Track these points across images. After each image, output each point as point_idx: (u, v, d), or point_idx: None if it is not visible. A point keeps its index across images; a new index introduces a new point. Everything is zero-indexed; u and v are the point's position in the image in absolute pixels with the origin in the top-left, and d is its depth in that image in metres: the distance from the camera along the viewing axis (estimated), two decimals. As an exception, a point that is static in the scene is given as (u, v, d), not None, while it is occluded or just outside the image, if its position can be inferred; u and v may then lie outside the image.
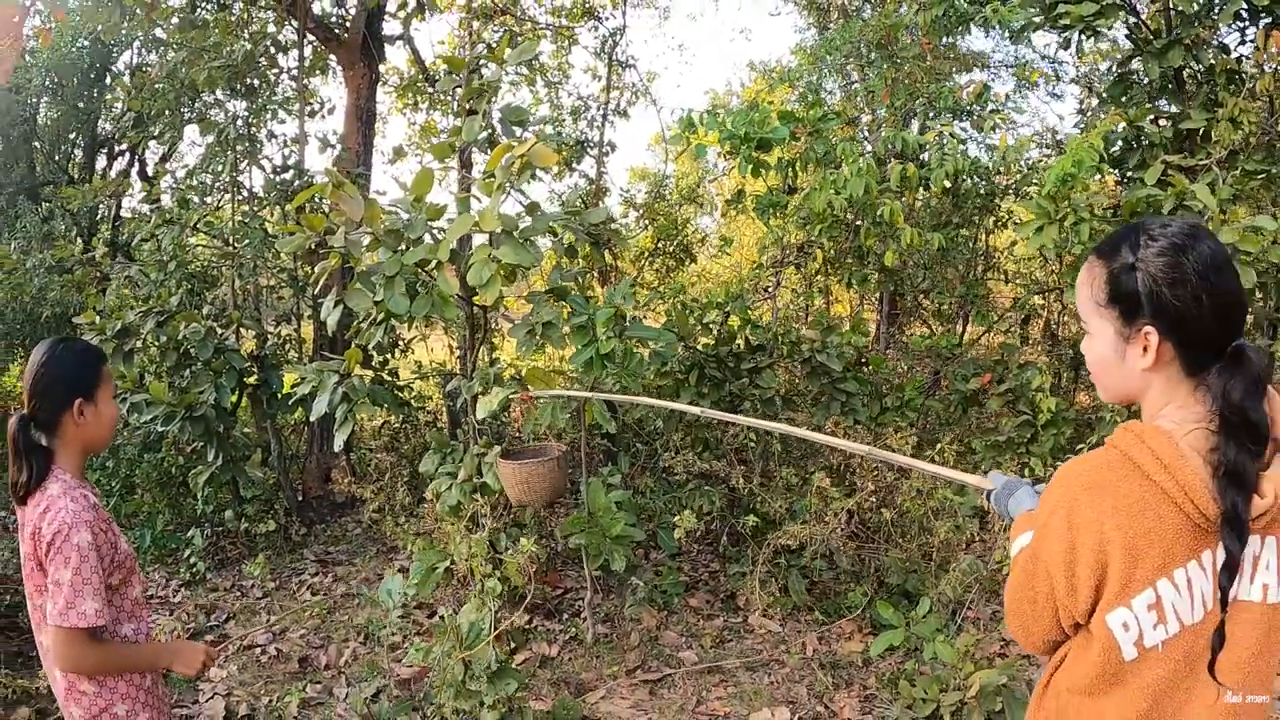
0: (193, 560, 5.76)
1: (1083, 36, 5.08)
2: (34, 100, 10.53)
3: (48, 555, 2.05)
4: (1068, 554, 1.32)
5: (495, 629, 3.48)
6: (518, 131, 4.35)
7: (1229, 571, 1.26)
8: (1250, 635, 1.33)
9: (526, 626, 4.75)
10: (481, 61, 4.50)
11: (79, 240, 9.48)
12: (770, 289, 6.33)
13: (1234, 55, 5.14)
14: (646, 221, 7.44)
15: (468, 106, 4.40)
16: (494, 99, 4.35)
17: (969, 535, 4.41)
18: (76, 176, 10.87)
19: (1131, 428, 1.34)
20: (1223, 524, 1.26)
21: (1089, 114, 6.17)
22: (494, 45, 4.39)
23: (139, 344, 5.62)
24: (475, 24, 7.70)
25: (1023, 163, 6.25)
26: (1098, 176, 5.94)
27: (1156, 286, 1.31)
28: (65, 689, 2.20)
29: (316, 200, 5.69)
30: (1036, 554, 1.40)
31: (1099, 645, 1.34)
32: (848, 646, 4.65)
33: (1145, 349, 1.34)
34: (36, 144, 10.90)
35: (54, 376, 2.17)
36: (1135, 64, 5.35)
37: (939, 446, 4.65)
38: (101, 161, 11.73)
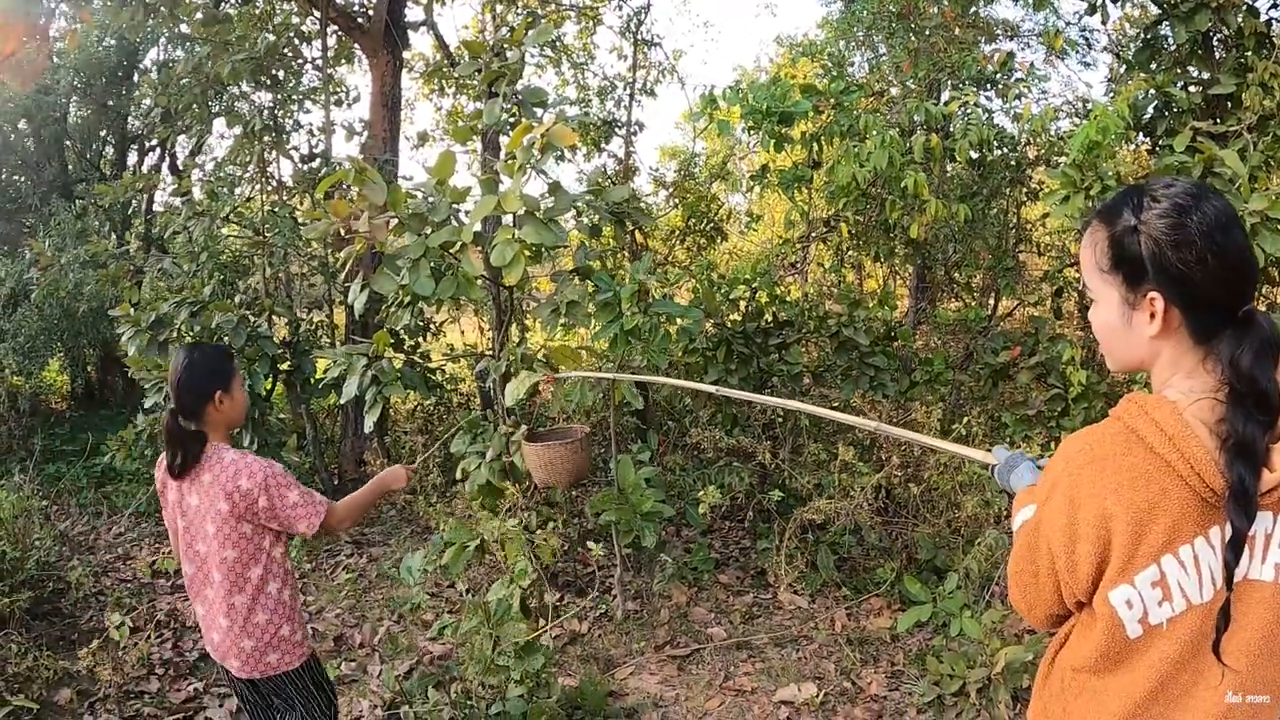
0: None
1: (1108, 1, 5.00)
2: (64, 100, 10.69)
3: (264, 495, 2.58)
4: (1069, 529, 1.28)
5: (524, 606, 3.52)
6: (538, 113, 4.36)
7: (1235, 548, 1.21)
8: (1260, 617, 1.27)
9: (557, 603, 4.80)
10: (504, 45, 4.51)
11: (112, 235, 9.63)
12: (798, 264, 6.30)
13: (1263, 18, 5.02)
14: (676, 200, 7.43)
15: (489, 90, 4.42)
16: (516, 82, 4.36)
17: (997, 510, 4.38)
18: (108, 173, 11.04)
19: (1135, 399, 1.29)
20: (1229, 498, 1.20)
21: (1118, 81, 6.06)
22: (516, 28, 4.40)
23: (174, 334, 5.72)
24: (498, 7, 7.71)
25: (1053, 132, 6.16)
26: (1130, 145, 5.86)
27: (1160, 249, 1.26)
28: (240, 627, 2.64)
29: (344, 187, 5.75)
30: (1038, 529, 1.35)
31: (1102, 623, 1.30)
32: (876, 622, 4.65)
33: (1152, 315, 1.29)
34: (68, 143, 11.08)
35: (197, 375, 2.65)
36: (1163, 29, 5.25)
37: (966, 420, 4.63)
38: (132, 157, 11.90)
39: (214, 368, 2.69)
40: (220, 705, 4.17)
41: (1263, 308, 5.42)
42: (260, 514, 2.61)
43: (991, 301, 7.08)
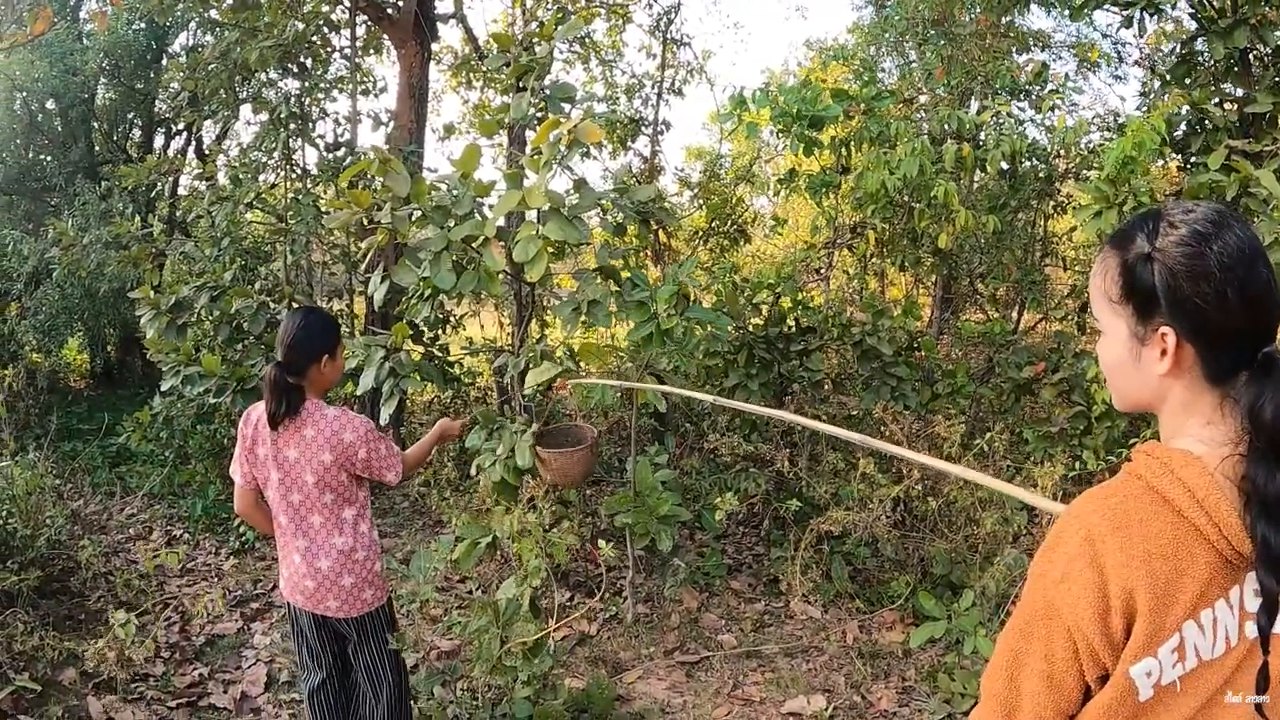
0: (242, 530, 5.88)
1: (1145, 15, 4.92)
2: (92, 82, 10.74)
3: (364, 447, 2.89)
4: (1100, 602, 1.14)
5: (534, 606, 3.49)
6: (566, 109, 4.32)
7: (1269, 612, 1.11)
8: (1275, 664, 1.18)
9: (566, 603, 4.76)
10: (533, 39, 4.48)
11: (136, 217, 9.64)
12: (822, 270, 6.24)
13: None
14: (701, 201, 7.38)
15: (518, 84, 4.39)
16: (544, 77, 4.32)
17: (1016, 528, 4.31)
18: (134, 155, 11.08)
19: (1155, 454, 1.18)
20: (1258, 562, 1.10)
21: (1151, 96, 5.98)
22: (545, 22, 4.37)
23: (193, 318, 5.72)
24: (528, 1, 7.68)
25: (1083, 145, 6.08)
26: (1160, 161, 5.76)
27: (1175, 281, 1.15)
28: (342, 565, 2.93)
29: (368, 177, 5.73)
30: (1053, 613, 1.19)
31: (1114, 693, 1.18)
32: (888, 636, 4.60)
33: (1163, 352, 1.18)
34: (95, 124, 11.13)
35: (310, 336, 2.89)
36: (1199, 44, 5.17)
37: (989, 436, 4.56)
38: (158, 140, 11.95)
39: (325, 332, 2.94)
40: (225, 691, 4.15)
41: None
42: (358, 464, 2.91)
43: (1015, 315, 7.01)
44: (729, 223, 6.62)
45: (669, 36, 8.05)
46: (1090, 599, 1.14)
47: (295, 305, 6.24)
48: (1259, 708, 1.17)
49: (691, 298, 3.92)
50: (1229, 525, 1.11)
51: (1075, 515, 1.19)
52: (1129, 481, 1.19)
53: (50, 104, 10.84)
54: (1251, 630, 1.16)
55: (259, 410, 2.96)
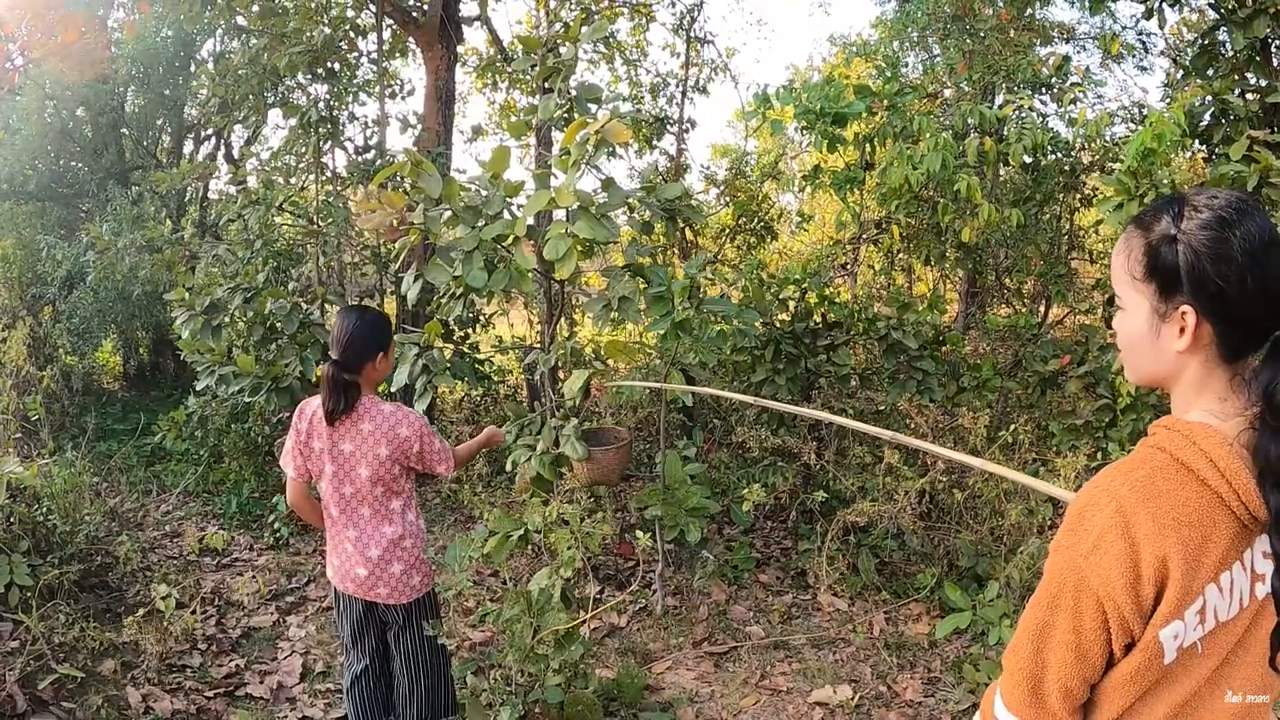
0: (276, 525, 5.99)
1: (1165, 6, 4.92)
2: (121, 89, 10.91)
3: (421, 444, 3.03)
4: (1132, 571, 1.19)
5: (565, 596, 3.56)
6: (592, 109, 4.39)
7: None
8: (1268, 626, 1.26)
9: (598, 595, 4.83)
10: (558, 40, 4.55)
11: (168, 221, 9.81)
12: (848, 265, 6.28)
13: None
14: (727, 198, 7.42)
15: (544, 85, 4.46)
16: (570, 77, 4.39)
17: (1041, 519, 4.34)
18: (165, 160, 11.25)
19: (1175, 426, 1.24)
20: (1271, 528, 1.16)
21: (1174, 87, 5.97)
22: (570, 24, 4.43)
23: (227, 319, 5.84)
24: (553, 3, 7.75)
25: (1108, 137, 6.07)
26: (1187, 153, 5.75)
27: (1198, 262, 1.21)
28: (391, 553, 3.05)
29: (398, 179, 5.82)
30: (1082, 585, 1.23)
31: (1142, 657, 1.24)
32: (915, 628, 4.63)
33: (1182, 329, 1.24)
34: (125, 130, 11.30)
35: (365, 335, 2.99)
36: (1221, 35, 5.16)
37: (1013, 428, 4.58)
38: (188, 146, 12.12)
39: (379, 330, 3.05)
40: (261, 682, 4.25)
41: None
42: (412, 457, 3.04)
43: (1042, 308, 7.00)
44: (755, 220, 6.66)
45: (692, 35, 8.09)
46: (1123, 569, 1.19)
47: (330, 305, 6.37)
48: (1272, 661, 1.23)
49: (703, 290, 3.97)
50: (1248, 493, 1.17)
51: (1102, 489, 1.24)
52: (1153, 454, 1.24)
53: (80, 111, 11.02)
54: (1261, 590, 1.23)
55: (313, 404, 3.07)
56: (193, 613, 4.64)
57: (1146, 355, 1.32)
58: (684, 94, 7.66)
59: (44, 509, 4.89)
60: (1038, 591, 1.31)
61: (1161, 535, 1.17)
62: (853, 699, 4.01)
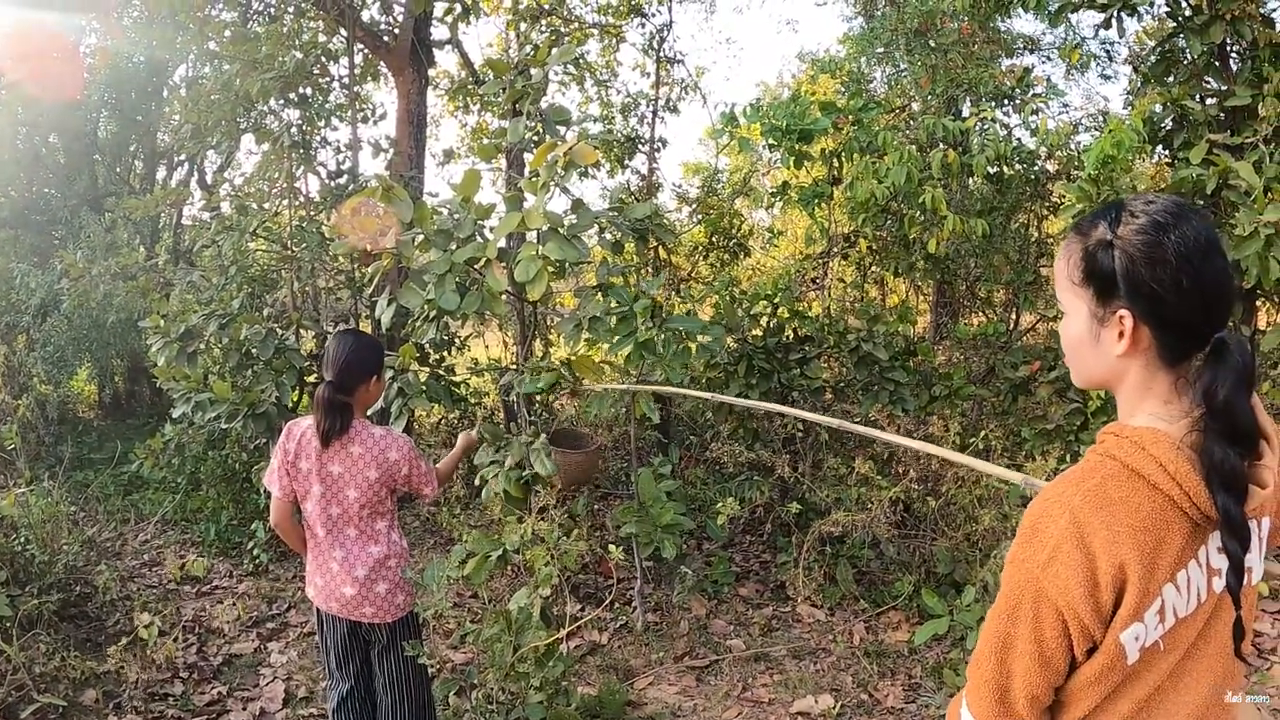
0: (256, 552, 5.98)
1: (1124, 15, 5.03)
2: (94, 115, 10.89)
3: (407, 464, 3.08)
4: (1089, 579, 1.21)
5: (544, 614, 3.58)
6: (562, 131, 4.44)
7: (1236, 573, 1.20)
8: (1230, 617, 1.29)
9: (577, 614, 4.84)
10: (528, 64, 4.60)
11: (142, 248, 9.81)
12: (818, 280, 6.35)
13: (1279, 29, 5.04)
14: (700, 216, 7.47)
15: (513, 108, 4.51)
16: (540, 100, 4.44)
17: (1014, 524, 4.39)
18: (138, 187, 11.23)
19: (1123, 433, 1.26)
20: (1221, 529, 1.19)
21: (1135, 94, 6.09)
22: (539, 46, 4.48)
23: (202, 345, 5.83)
24: (523, 25, 7.82)
25: (1072, 146, 6.18)
26: (1153, 158, 5.86)
27: (1133, 266, 1.23)
28: (376, 573, 3.09)
29: (369, 203, 5.83)
30: (1041, 596, 1.25)
31: (1105, 659, 1.26)
32: (894, 635, 4.68)
33: (1121, 333, 1.26)
34: (98, 157, 11.27)
35: (360, 358, 3.05)
36: (1180, 41, 5.27)
37: (984, 435, 4.65)
38: (161, 172, 12.09)
39: (373, 353, 3.11)
40: (244, 709, 4.24)
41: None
42: (399, 480, 3.10)
43: (1013, 316, 7.10)
44: (728, 237, 6.72)
45: (662, 55, 8.16)
46: (1080, 578, 1.21)
47: (304, 331, 6.37)
48: (1237, 652, 1.27)
49: (665, 309, 4.00)
50: (1198, 494, 1.20)
51: (1055, 500, 1.26)
52: (1103, 462, 1.26)
53: (54, 138, 10.99)
54: (1218, 584, 1.26)
55: (302, 425, 3.09)
56: (174, 641, 4.62)
57: (1088, 359, 1.34)
58: (655, 113, 7.71)
59: (22, 539, 4.87)
60: (997, 603, 1.33)
61: (1117, 543, 1.19)
62: (834, 708, 4.05)
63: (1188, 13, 5.10)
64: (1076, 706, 1.31)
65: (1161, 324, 1.24)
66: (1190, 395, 1.25)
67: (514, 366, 4.88)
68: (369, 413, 3.34)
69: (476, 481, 4.45)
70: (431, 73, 8.63)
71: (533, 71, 4.47)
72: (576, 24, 9.04)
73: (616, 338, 3.95)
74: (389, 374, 4.31)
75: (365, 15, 7.88)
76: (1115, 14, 5.14)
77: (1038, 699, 1.30)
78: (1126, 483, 1.22)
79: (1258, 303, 5.25)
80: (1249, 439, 1.20)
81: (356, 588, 3.08)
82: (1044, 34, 10.42)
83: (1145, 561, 1.19)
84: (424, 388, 4.39)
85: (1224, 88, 5.14)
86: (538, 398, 5.46)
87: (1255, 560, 1.31)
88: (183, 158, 11.54)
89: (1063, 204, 6.70)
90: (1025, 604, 1.27)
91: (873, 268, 6.61)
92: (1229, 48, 5.18)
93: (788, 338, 5.44)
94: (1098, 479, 1.24)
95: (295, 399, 6.13)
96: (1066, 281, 1.35)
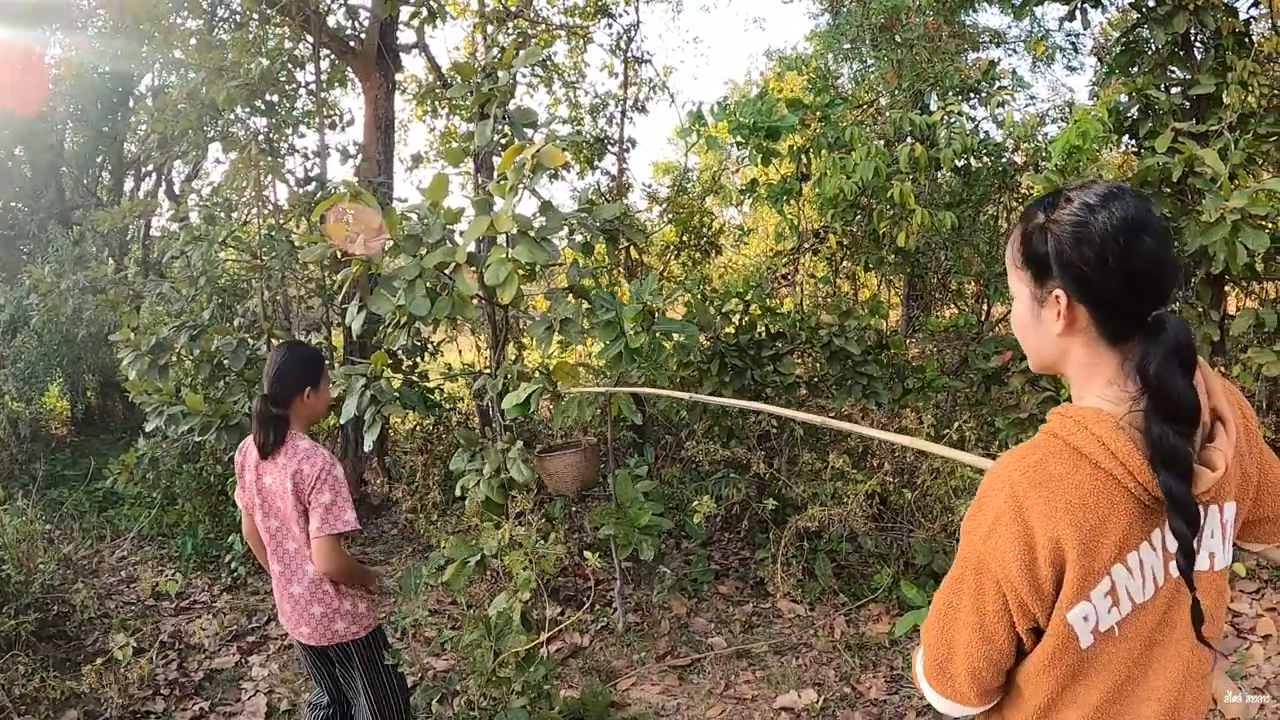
0: (234, 565, 5.93)
1: (1088, 6, 5.08)
2: (60, 127, 10.78)
3: (312, 487, 2.86)
4: (1027, 554, 1.24)
5: (524, 618, 3.57)
6: (529, 133, 4.43)
7: (1185, 554, 1.21)
8: (1201, 603, 1.27)
9: (558, 617, 4.84)
10: (495, 67, 4.59)
11: (111, 261, 9.71)
12: (789, 276, 6.37)
13: (1241, 17, 5.11)
14: (670, 215, 7.48)
15: (480, 111, 4.49)
16: (508, 103, 4.43)
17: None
18: (105, 199, 11.12)
19: (1068, 413, 1.29)
20: (1169, 508, 1.20)
21: (1100, 85, 6.15)
22: (506, 48, 4.47)
23: (174, 358, 5.78)
24: (489, 28, 7.78)
25: (1040, 138, 6.24)
26: (1120, 148, 5.92)
27: (1060, 246, 1.27)
28: (310, 594, 2.96)
29: (338, 210, 5.80)
30: (982, 568, 1.29)
31: (1054, 640, 1.29)
32: (875, 628, 4.70)
33: (1058, 313, 1.30)
34: (64, 169, 11.16)
35: (292, 369, 2.98)
36: (1144, 32, 5.33)
37: (956, 426, 4.68)
38: (129, 183, 11.98)
39: (307, 365, 3.03)
40: (226, 725, 4.21)
41: (1252, 304, 5.49)
42: (303, 495, 2.92)
43: (984, 308, 7.15)
44: (699, 236, 6.73)
45: (630, 55, 8.16)
46: (1016, 551, 1.25)
47: (276, 340, 6.32)
48: (1198, 634, 1.27)
49: (656, 313, 4.00)
50: (1142, 472, 1.22)
51: (998, 475, 1.30)
52: (1048, 440, 1.29)
53: (19, 150, 10.86)
54: (1175, 569, 1.27)
55: (251, 439, 3.06)
56: (152, 659, 4.58)
57: (1033, 340, 1.38)
58: (623, 114, 7.70)
59: (-2, 558, 4.82)
60: (949, 573, 1.37)
61: (1054, 518, 1.22)
62: (818, 702, 4.07)
63: (1151, 3, 5.16)
64: (1034, 693, 1.34)
65: (1094, 302, 1.27)
66: (1135, 376, 1.27)
67: (487, 371, 4.87)
68: (342, 422, 3.31)
69: (459, 491, 4.44)
70: (399, 77, 8.58)
71: (500, 74, 4.46)
72: (544, 26, 9.02)
73: (603, 344, 3.94)
74: (361, 382, 4.29)
75: (331, 20, 7.82)
76: (1080, 6, 5.21)
77: (978, 674, 1.33)
78: (1068, 460, 1.25)
79: (1226, 288, 5.32)
80: (1187, 417, 1.21)
81: (292, 605, 3.01)
82: (1009, 27, 10.52)
83: (1085, 538, 1.22)
84: (397, 394, 4.37)
85: (1188, 76, 5.21)
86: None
87: (1218, 546, 1.32)
88: (150, 168, 11.45)
89: (1031, 195, 6.77)
90: (969, 575, 1.32)
91: (843, 263, 6.64)
92: (1193, 37, 5.25)
93: (760, 335, 5.45)
94: (1039, 455, 1.27)
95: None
96: (1011, 266, 1.39)
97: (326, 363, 3.13)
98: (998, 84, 6.31)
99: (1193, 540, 1.21)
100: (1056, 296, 1.30)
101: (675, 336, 4.24)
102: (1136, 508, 1.24)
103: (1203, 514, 1.26)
